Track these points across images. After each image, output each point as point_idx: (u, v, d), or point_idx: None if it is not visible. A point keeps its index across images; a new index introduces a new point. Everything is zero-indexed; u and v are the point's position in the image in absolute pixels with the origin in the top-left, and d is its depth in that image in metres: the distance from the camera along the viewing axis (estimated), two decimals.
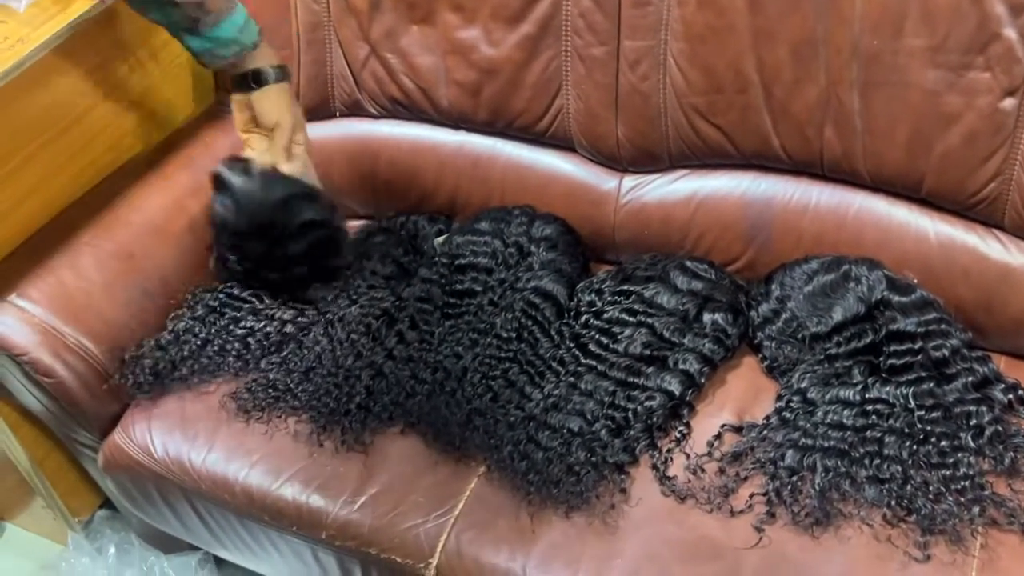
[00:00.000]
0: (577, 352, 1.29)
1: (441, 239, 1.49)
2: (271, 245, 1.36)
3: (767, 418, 1.21)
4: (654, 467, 1.17)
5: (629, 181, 1.43)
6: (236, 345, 1.36)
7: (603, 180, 1.45)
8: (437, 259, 1.42)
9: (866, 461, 1.12)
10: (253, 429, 1.28)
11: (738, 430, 1.20)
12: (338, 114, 1.59)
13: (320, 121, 1.59)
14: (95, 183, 1.51)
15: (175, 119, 1.63)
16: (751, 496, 1.12)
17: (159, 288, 1.42)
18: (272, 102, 1.31)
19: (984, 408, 1.14)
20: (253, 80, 1.29)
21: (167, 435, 1.31)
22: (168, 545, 1.54)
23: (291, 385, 1.31)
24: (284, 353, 1.35)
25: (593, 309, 1.33)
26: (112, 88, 1.50)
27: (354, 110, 1.58)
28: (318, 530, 1.20)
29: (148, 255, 1.43)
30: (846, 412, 1.17)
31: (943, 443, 1.12)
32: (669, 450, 1.19)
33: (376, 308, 1.36)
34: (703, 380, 1.25)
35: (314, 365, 1.31)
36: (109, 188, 1.49)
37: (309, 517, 1.20)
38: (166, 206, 1.47)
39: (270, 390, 1.31)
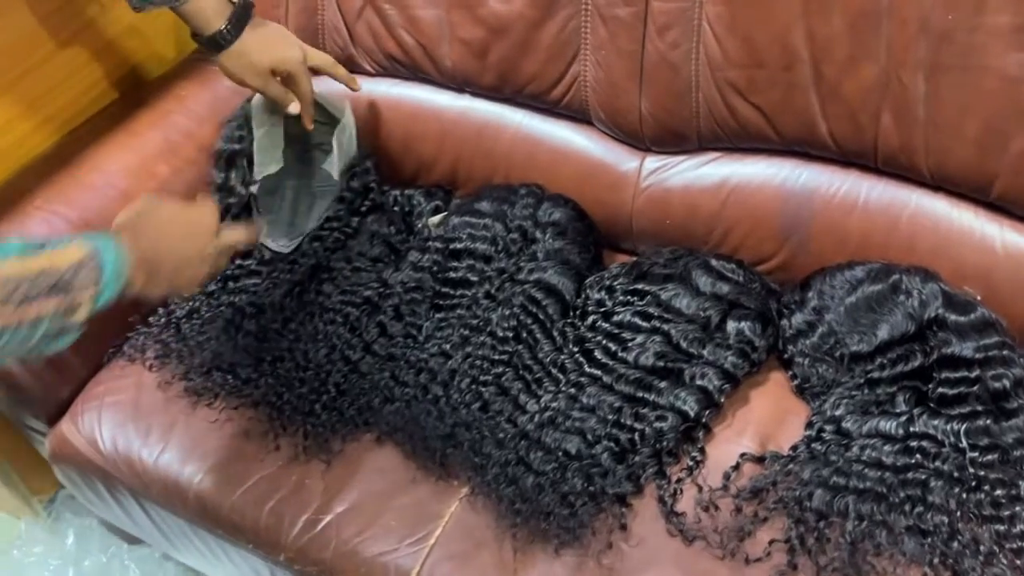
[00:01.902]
0: (581, 359, 1.14)
1: (437, 218, 1.33)
2: None
3: (794, 448, 1.06)
4: (661, 500, 1.03)
5: (651, 162, 1.27)
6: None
7: (622, 160, 1.28)
8: (431, 242, 1.26)
9: (907, 508, 0.98)
10: (213, 428, 1.15)
11: (760, 461, 1.05)
12: None
13: (314, 76, 1.42)
14: (53, 140, 1.36)
15: (149, 70, 1.47)
16: (771, 543, 0.98)
17: None
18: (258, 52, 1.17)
19: None
20: (213, 42, 1.15)
21: (118, 428, 1.18)
22: (132, 534, 1.42)
23: (252, 375, 1.16)
24: (245, 337, 1.21)
25: (602, 309, 1.17)
26: (76, 32, 1.34)
27: (348, 67, 1.40)
28: (276, 550, 1.07)
29: (108, 223, 1.26)
30: (886, 448, 1.02)
31: (998, 492, 0.97)
32: (679, 480, 1.04)
33: (358, 295, 1.22)
34: (722, 399, 1.09)
35: (282, 355, 1.16)
36: (69, 146, 1.34)
37: (267, 535, 1.07)
38: (132, 168, 1.32)
39: (228, 376, 1.17)
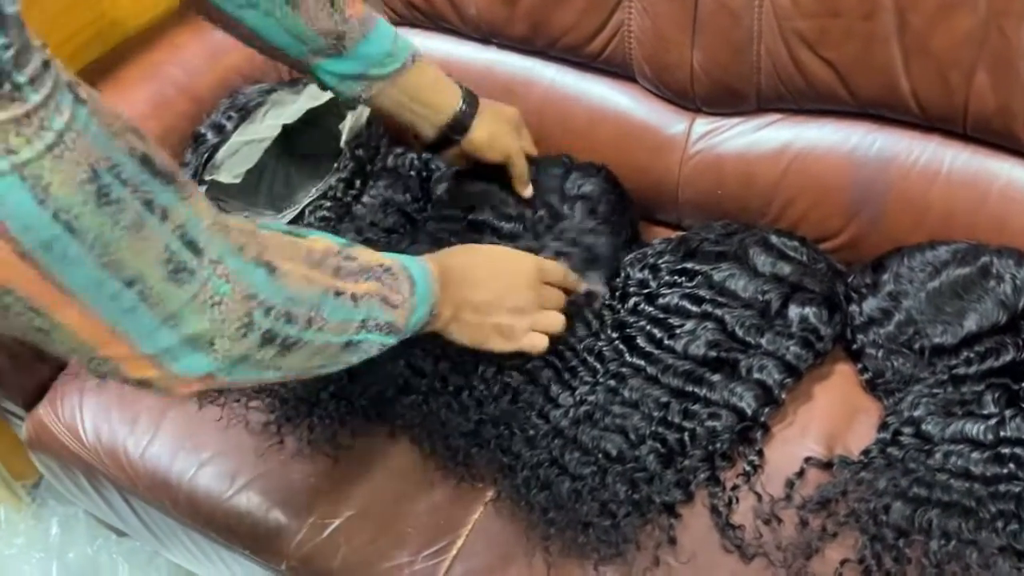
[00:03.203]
0: (621, 346, 1.01)
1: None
2: None
3: (866, 453, 0.93)
4: (714, 510, 0.90)
5: (702, 125, 1.13)
6: None
7: (669, 121, 1.15)
8: (449, 211, 1.13)
9: (999, 525, 0.85)
10: (207, 416, 1.03)
11: (827, 466, 0.93)
12: None
13: None
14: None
15: (138, 17, 1.33)
16: (842, 563, 0.86)
17: None
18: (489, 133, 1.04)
19: None
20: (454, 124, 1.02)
21: (101, 414, 1.06)
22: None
23: None
24: None
25: (645, 291, 1.04)
26: None
27: None
28: (277, 558, 0.95)
29: None
30: (974, 455, 0.89)
31: None
32: (735, 487, 0.92)
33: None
34: (783, 395, 0.96)
35: None
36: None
37: (267, 541, 0.95)
38: None
39: None
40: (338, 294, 0.69)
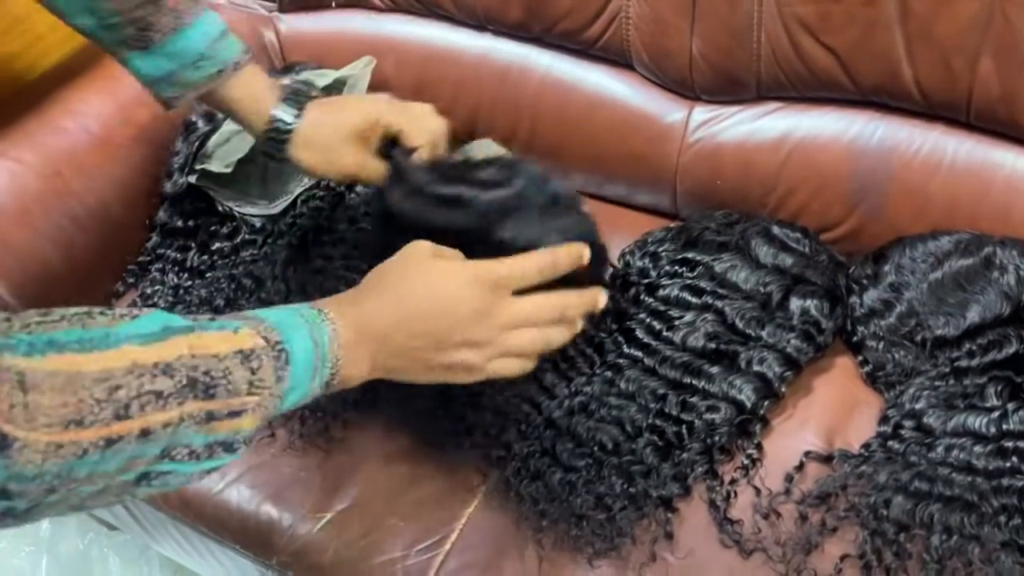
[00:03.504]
0: (619, 337, 0.99)
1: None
2: None
3: (867, 447, 0.91)
4: (712, 504, 0.89)
5: (701, 113, 1.11)
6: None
7: (667, 110, 1.13)
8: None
9: (1002, 520, 0.83)
10: None
11: (827, 460, 0.91)
12: (334, 4, 1.29)
13: (310, 12, 1.27)
14: (22, 81, 1.21)
15: None
16: (842, 558, 0.84)
17: (95, 216, 1.13)
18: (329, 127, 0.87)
19: None
20: (279, 122, 0.86)
21: None
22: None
23: None
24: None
25: (646, 280, 1.02)
26: None
27: (354, 0, 1.26)
28: (267, 552, 0.93)
29: (82, 173, 1.13)
30: (976, 448, 0.88)
31: None
32: (733, 481, 0.90)
33: (363, 260, 1.07)
34: (783, 388, 0.94)
35: None
36: (39, 88, 1.18)
37: (257, 535, 0.94)
38: (108, 112, 1.17)
39: None
40: (109, 443, 0.52)
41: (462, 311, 0.71)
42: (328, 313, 0.67)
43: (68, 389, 0.50)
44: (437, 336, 0.71)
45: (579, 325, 0.79)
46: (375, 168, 0.88)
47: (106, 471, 0.52)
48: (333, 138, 0.86)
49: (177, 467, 0.57)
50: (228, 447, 0.59)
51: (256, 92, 0.87)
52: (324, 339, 0.66)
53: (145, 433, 0.53)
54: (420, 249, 0.73)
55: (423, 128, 0.88)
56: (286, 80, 1.06)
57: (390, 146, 0.89)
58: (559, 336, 0.77)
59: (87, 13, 0.81)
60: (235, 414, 0.58)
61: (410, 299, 0.70)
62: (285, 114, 0.86)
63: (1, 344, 0.49)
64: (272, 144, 0.87)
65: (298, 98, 0.87)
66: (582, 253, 0.78)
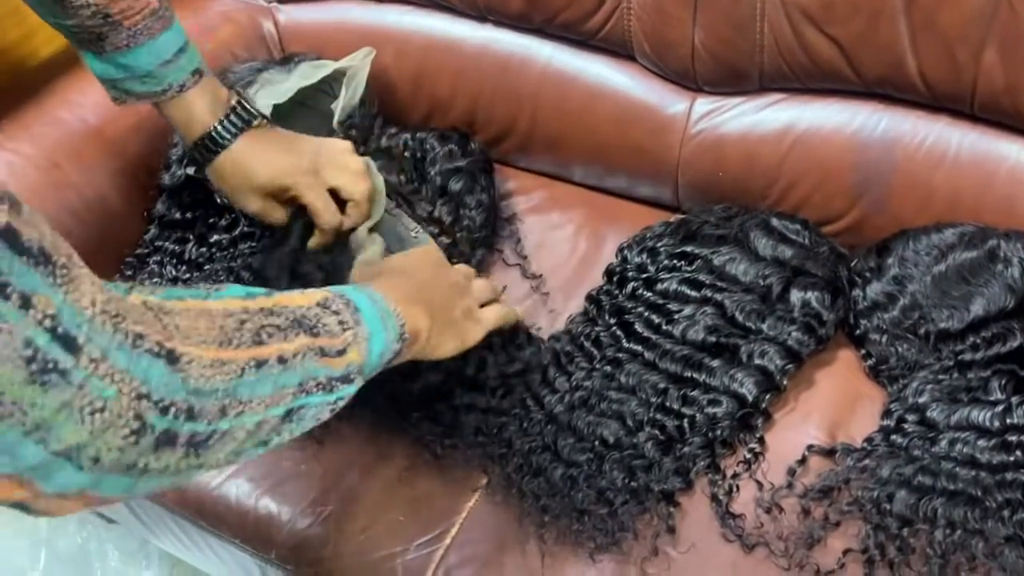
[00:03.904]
0: (619, 332, 0.98)
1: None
2: None
3: (870, 440, 0.91)
4: (714, 499, 0.88)
5: (703, 105, 1.10)
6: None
7: (668, 101, 1.12)
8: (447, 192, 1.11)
9: (1006, 515, 0.83)
10: None
11: (829, 454, 0.91)
12: None
13: (310, 2, 1.26)
14: (20, 70, 1.19)
15: None
16: (845, 552, 0.83)
17: (93, 208, 1.12)
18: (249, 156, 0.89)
19: None
20: (203, 146, 0.89)
21: None
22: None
23: None
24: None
25: (644, 275, 1.02)
26: None
27: None
28: (266, 547, 0.93)
29: (79, 164, 1.12)
30: (980, 442, 0.87)
31: None
32: (735, 475, 0.90)
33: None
34: (785, 381, 0.94)
35: None
36: (37, 78, 1.17)
37: (255, 529, 0.93)
38: (107, 103, 1.14)
39: None
40: (259, 365, 0.57)
41: (440, 266, 0.87)
42: (363, 285, 0.73)
43: (204, 318, 0.55)
44: (445, 286, 0.84)
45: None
46: (276, 216, 0.93)
47: (262, 395, 0.57)
48: (242, 181, 0.89)
49: (311, 400, 0.62)
50: (346, 379, 0.65)
51: (194, 115, 0.88)
52: (376, 296, 0.71)
53: (282, 360, 0.59)
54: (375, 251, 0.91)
55: (329, 211, 0.91)
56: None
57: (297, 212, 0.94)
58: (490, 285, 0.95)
59: (47, 13, 0.83)
60: (341, 352, 0.64)
61: (409, 271, 0.83)
62: (222, 132, 0.88)
63: (128, 288, 0.54)
64: (199, 153, 0.89)
65: (240, 120, 0.89)
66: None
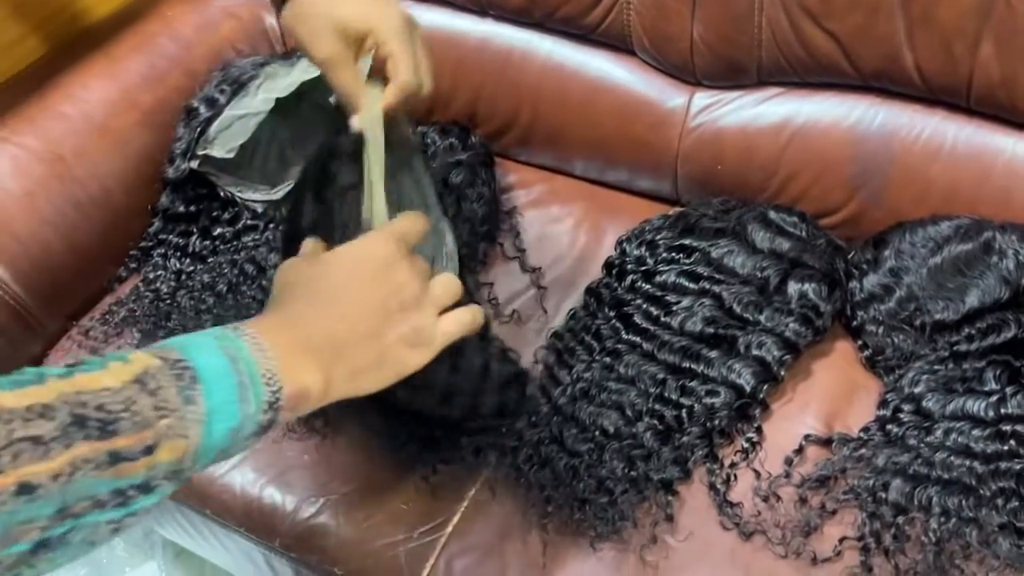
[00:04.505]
0: (618, 324, 0.99)
1: None
2: None
3: (866, 430, 0.92)
4: (712, 488, 0.89)
5: (702, 98, 1.11)
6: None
7: (668, 95, 1.12)
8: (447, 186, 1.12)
9: (1000, 503, 0.84)
10: None
11: (826, 444, 0.92)
12: None
13: None
14: (23, 65, 1.20)
15: None
16: (841, 540, 0.84)
17: (97, 202, 1.13)
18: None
19: None
20: None
21: None
22: None
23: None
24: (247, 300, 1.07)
25: (642, 268, 1.03)
26: None
27: None
28: (270, 535, 0.94)
29: (84, 158, 1.13)
30: (975, 432, 0.88)
31: None
32: (733, 465, 0.91)
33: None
34: (782, 372, 0.95)
35: None
36: (41, 72, 1.18)
37: (260, 517, 0.94)
38: (111, 98, 1.17)
39: None
40: None
41: (379, 270, 0.64)
42: (243, 328, 0.58)
43: None
44: (374, 306, 0.63)
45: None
46: (344, 76, 0.74)
47: None
48: (323, 18, 0.73)
49: (81, 522, 0.47)
50: (145, 488, 0.50)
51: None
52: (243, 352, 0.56)
53: (25, 489, 0.44)
54: (312, 246, 0.70)
55: (412, 67, 0.75)
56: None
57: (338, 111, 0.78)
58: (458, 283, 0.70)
59: None
60: (148, 450, 0.49)
61: (328, 287, 0.63)
62: None
63: None
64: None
65: None
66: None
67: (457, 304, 0.69)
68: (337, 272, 0.64)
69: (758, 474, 0.90)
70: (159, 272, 1.13)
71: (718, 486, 0.89)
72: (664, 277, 1.00)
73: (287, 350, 0.58)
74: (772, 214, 1.04)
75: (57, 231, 1.09)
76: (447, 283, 0.68)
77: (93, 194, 1.13)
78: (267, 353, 0.57)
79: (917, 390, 0.92)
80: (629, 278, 1.02)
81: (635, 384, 0.95)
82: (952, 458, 0.87)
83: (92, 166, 1.13)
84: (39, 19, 1.20)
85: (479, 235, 1.12)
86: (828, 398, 0.96)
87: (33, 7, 1.19)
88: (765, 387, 0.94)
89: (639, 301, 1.00)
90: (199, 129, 1.15)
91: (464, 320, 0.68)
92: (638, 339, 0.97)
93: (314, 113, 1.20)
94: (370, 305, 0.63)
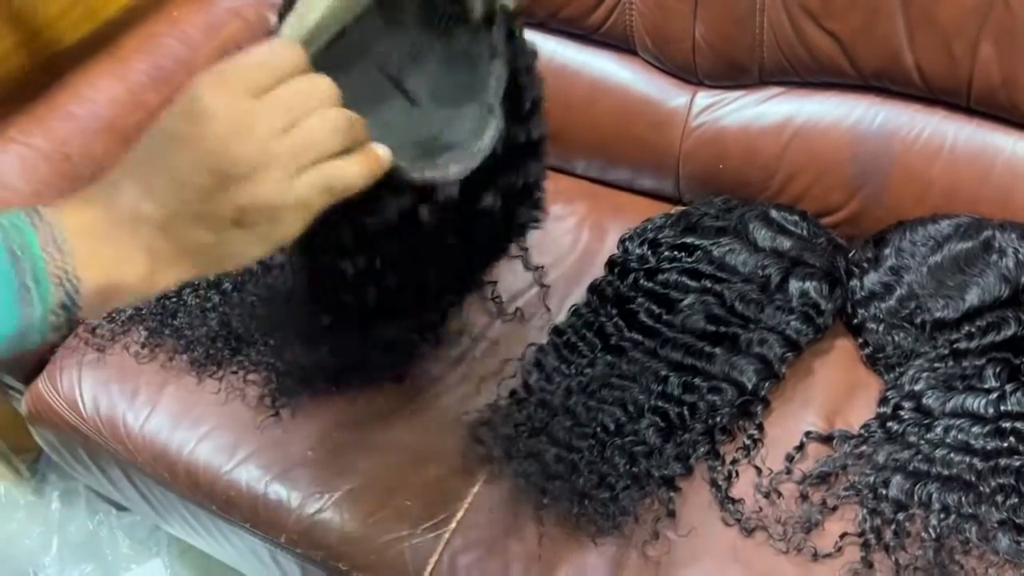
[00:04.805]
0: (621, 321, 1.00)
1: None
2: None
3: (866, 427, 0.93)
4: (714, 484, 0.90)
5: (704, 98, 1.12)
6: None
7: (670, 95, 1.13)
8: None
9: (999, 500, 0.85)
10: (206, 389, 1.02)
11: (827, 440, 0.93)
12: None
13: None
14: (31, 66, 1.21)
15: None
16: (842, 536, 0.85)
17: None
18: None
19: None
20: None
21: (100, 388, 1.05)
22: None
23: (256, 331, 1.03)
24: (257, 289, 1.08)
25: (645, 266, 1.03)
26: None
27: None
28: (277, 531, 0.95)
29: (91, 158, 1.14)
30: (974, 429, 0.89)
31: None
32: (735, 461, 0.92)
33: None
34: (784, 369, 0.96)
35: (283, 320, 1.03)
36: (48, 72, 1.19)
37: (266, 514, 0.95)
38: (118, 98, 1.18)
39: (231, 340, 1.04)
40: None
41: (217, 127, 0.48)
42: (42, 212, 0.48)
43: None
44: (209, 168, 0.48)
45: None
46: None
47: None
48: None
49: None
50: None
51: None
52: (31, 246, 0.47)
53: None
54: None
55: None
56: None
57: None
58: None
59: None
60: None
61: (160, 142, 0.50)
62: None
63: None
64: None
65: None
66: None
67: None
68: (171, 124, 0.50)
69: (759, 470, 0.91)
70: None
71: (720, 482, 0.90)
72: (666, 275, 1.01)
73: (92, 234, 0.48)
74: (773, 213, 1.04)
75: None
76: (328, 122, 0.51)
77: None
78: (63, 245, 0.47)
79: (917, 387, 0.93)
80: (632, 276, 1.03)
81: (638, 381, 0.95)
82: (952, 455, 0.88)
83: (99, 166, 1.14)
84: (45, 21, 1.22)
85: None
86: (829, 395, 0.96)
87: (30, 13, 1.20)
88: (767, 384, 0.95)
89: (642, 299, 1.00)
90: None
91: (332, 178, 0.51)
92: (641, 336, 0.98)
93: None
94: (199, 162, 0.49)
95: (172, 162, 0.49)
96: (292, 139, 0.50)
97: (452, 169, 0.61)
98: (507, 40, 0.64)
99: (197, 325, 1.05)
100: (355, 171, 0.52)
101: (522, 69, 0.68)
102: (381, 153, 0.54)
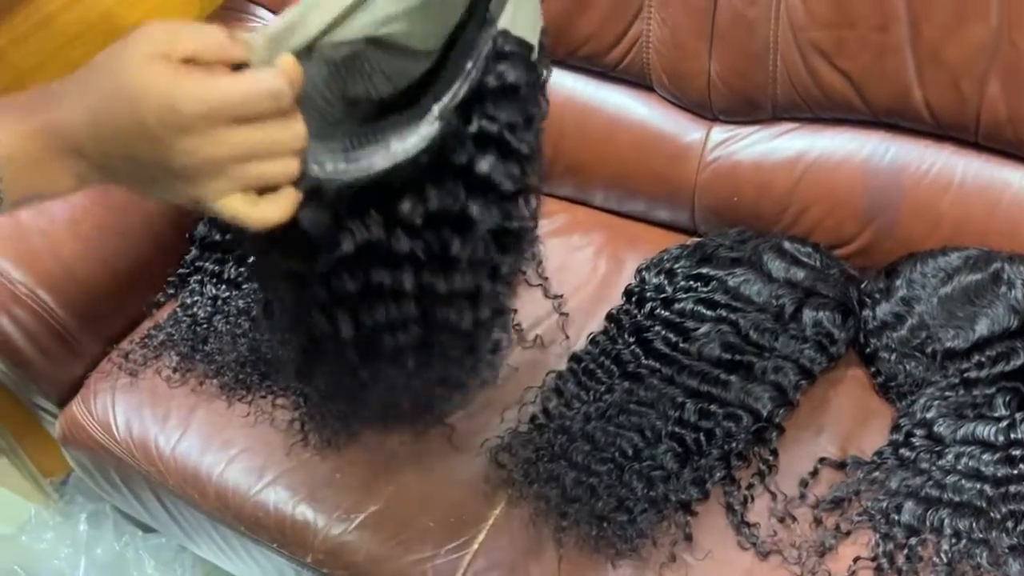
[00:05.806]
0: (638, 349, 1.03)
1: None
2: None
3: (879, 454, 0.95)
4: (729, 508, 0.92)
5: (719, 133, 1.15)
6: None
7: (685, 130, 1.17)
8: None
9: (1009, 526, 0.87)
10: (235, 413, 1.05)
11: (840, 467, 0.95)
12: None
13: None
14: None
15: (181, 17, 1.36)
16: (855, 560, 0.87)
17: (138, 229, 1.18)
18: None
19: None
20: None
21: (133, 412, 1.09)
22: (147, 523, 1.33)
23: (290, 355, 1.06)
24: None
25: (662, 296, 1.06)
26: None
27: None
28: (303, 551, 0.97)
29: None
30: (985, 456, 0.91)
31: None
32: (750, 486, 0.94)
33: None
34: (798, 397, 0.98)
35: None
36: None
37: (293, 534, 0.98)
38: None
39: (260, 364, 1.07)
40: None
41: (187, 142, 0.48)
42: None
43: None
44: (158, 158, 0.49)
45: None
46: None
47: None
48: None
49: None
50: None
51: None
52: None
53: None
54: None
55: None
56: None
57: None
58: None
59: None
60: None
61: (123, 105, 0.49)
62: None
63: None
64: None
65: None
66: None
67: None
68: (146, 104, 0.48)
69: (774, 495, 0.93)
70: (196, 298, 1.17)
71: (736, 507, 0.92)
72: (683, 304, 1.04)
73: (25, 159, 0.50)
74: (787, 244, 1.07)
75: (100, 257, 1.14)
76: (281, 166, 0.52)
77: (134, 222, 1.18)
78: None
79: (929, 415, 0.95)
80: (648, 305, 1.06)
81: (655, 407, 0.98)
82: (963, 481, 0.90)
83: (135, 196, 1.17)
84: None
85: None
86: (842, 422, 0.98)
87: None
88: (781, 411, 0.97)
89: (658, 327, 1.03)
90: None
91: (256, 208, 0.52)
92: (658, 364, 1.01)
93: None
94: (143, 155, 0.49)
95: (127, 133, 0.49)
96: (245, 172, 0.51)
97: (363, 163, 0.58)
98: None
99: (227, 351, 1.08)
100: (272, 211, 0.53)
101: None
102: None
